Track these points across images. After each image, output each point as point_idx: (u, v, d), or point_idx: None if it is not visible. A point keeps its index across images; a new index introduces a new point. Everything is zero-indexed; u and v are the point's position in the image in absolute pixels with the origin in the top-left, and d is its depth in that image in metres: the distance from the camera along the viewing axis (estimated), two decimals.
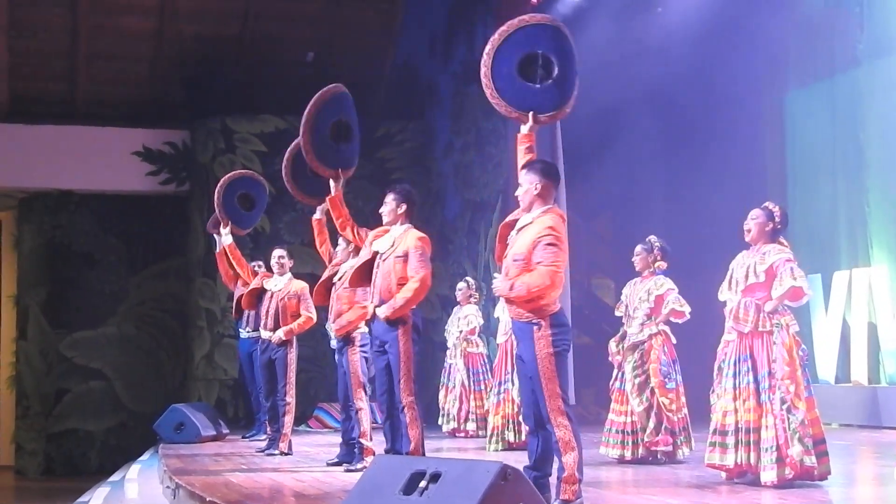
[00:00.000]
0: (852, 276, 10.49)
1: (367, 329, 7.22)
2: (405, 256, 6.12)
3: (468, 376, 10.11)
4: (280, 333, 8.43)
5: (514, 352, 5.40)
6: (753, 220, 6.02)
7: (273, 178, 14.23)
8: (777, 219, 6.03)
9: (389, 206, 6.31)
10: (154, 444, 10.50)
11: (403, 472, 4.09)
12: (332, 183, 6.82)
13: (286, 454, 8.36)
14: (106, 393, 15.14)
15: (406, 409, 6.08)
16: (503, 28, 5.35)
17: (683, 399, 7.26)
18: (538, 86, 5.26)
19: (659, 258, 7.38)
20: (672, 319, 7.29)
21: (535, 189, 4.99)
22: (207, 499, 5.85)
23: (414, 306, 6.13)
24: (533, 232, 4.90)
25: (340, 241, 7.54)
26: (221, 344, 13.81)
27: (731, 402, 5.92)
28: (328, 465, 7.51)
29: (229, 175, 9.27)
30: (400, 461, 4.44)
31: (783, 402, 5.78)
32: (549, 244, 4.82)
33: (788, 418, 5.76)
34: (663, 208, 12.39)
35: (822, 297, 10.70)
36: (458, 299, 10.39)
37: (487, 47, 5.32)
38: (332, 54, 15.07)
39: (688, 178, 12.09)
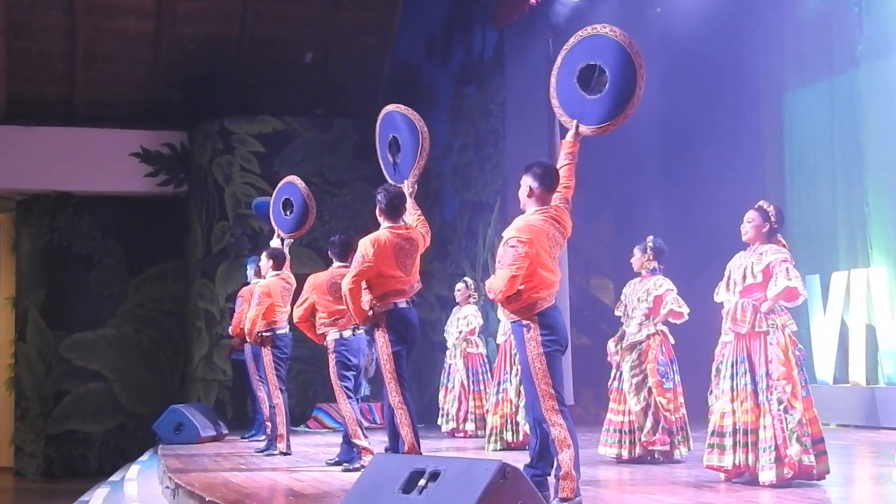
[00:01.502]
0: (851, 276, 10.50)
1: (356, 334, 7.36)
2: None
3: (467, 376, 10.12)
4: (248, 339, 8.65)
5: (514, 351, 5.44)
6: (749, 223, 6.03)
7: (271, 180, 14.33)
8: (773, 218, 6.04)
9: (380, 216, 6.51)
10: (153, 445, 10.51)
11: (403, 471, 4.10)
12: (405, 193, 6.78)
13: (286, 454, 8.36)
14: (105, 394, 15.15)
15: (395, 409, 6.12)
16: (589, 29, 5.39)
17: (682, 399, 7.27)
18: (588, 97, 5.27)
19: (651, 258, 7.38)
20: (670, 320, 7.30)
21: (527, 191, 5.06)
22: (207, 498, 5.85)
23: (354, 310, 6.24)
24: (507, 233, 5.00)
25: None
26: (220, 345, 13.82)
27: (728, 404, 5.92)
28: (328, 464, 7.52)
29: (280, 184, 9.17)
30: (399, 460, 4.44)
31: (780, 402, 5.78)
32: (511, 246, 4.88)
33: (786, 418, 5.77)
34: (662, 209, 12.40)
35: (821, 297, 10.71)
36: (457, 300, 10.40)
37: (572, 40, 5.36)
38: (330, 56, 15.09)
39: (687, 179, 12.10)
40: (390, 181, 6.91)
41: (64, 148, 14.85)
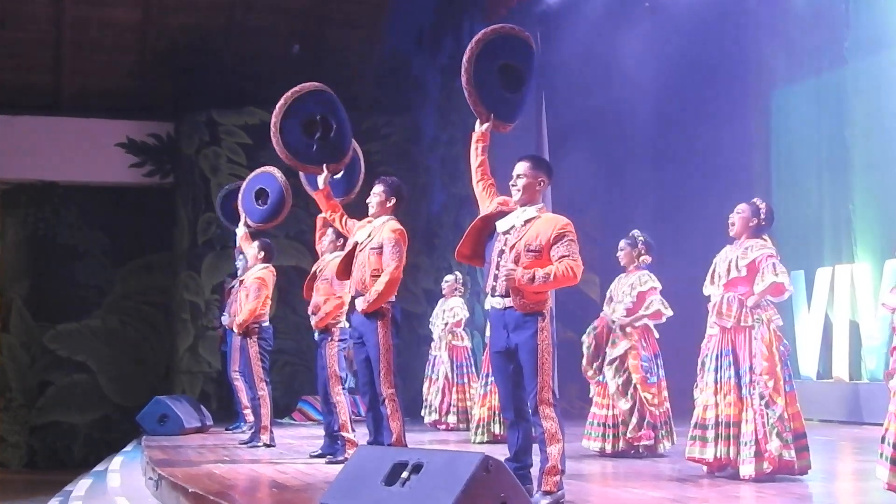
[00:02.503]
0: (835, 272, 10.54)
1: (346, 323, 7.31)
2: (380, 248, 6.13)
3: (452, 369, 10.12)
4: (235, 328, 8.54)
5: (489, 346, 5.38)
6: (738, 215, 6.05)
7: None
8: (762, 215, 6.05)
9: (378, 197, 6.31)
10: (137, 436, 10.48)
11: (385, 463, 4.10)
12: (318, 178, 6.78)
13: (269, 446, 8.36)
14: (89, 386, 15.10)
15: (387, 401, 6.08)
16: (505, 27, 5.44)
17: (665, 393, 7.29)
18: (508, 95, 5.36)
19: (643, 252, 7.41)
20: (649, 321, 7.30)
21: (538, 185, 5.07)
22: (190, 490, 5.84)
23: (389, 299, 6.13)
24: (549, 226, 4.96)
25: (329, 231, 7.54)
26: (205, 337, 13.80)
27: (711, 397, 5.95)
28: (311, 456, 7.51)
29: (254, 172, 9.11)
30: (382, 452, 4.44)
31: (762, 397, 5.81)
32: (572, 240, 4.93)
33: (767, 413, 5.79)
34: (649, 205, 12.41)
35: (805, 293, 10.75)
36: (443, 292, 10.40)
37: (478, 36, 5.36)
38: (318, 47, 15.05)
39: (674, 175, 12.12)
40: (289, 158, 6.78)
41: (50, 137, 14.79)
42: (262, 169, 8.92)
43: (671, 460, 6.96)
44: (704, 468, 6.08)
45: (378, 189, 6.33)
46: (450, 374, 10.11)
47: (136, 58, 14.94)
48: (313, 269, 7.50)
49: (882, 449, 4.72)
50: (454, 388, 10.04)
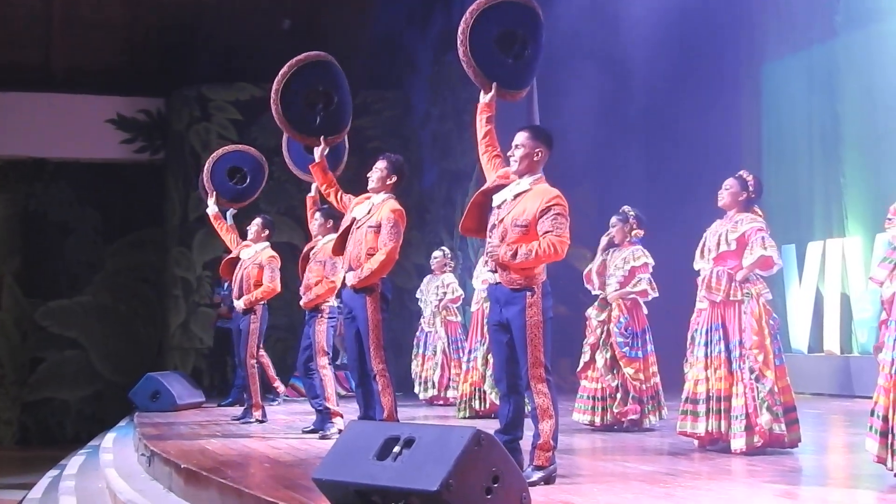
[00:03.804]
0: (826, 246, 10.57)
1: (335, 302, 7.38)
2: (378, 227, 6.11)
3: (448, 344, 10.13)
4: (240, 302, 8.42)
5: (487, 318, 5.36)
6: (727, 190, 6.05)
7: (248, 146, 14.24)
8: (751, 188, 6.05)
9: (379, 172, 6.25)
10: (130, 412, 10.49)
11: (377, 438, 4.10)
12: (315, 150, 6.75)
13: (262, 421, 8.38)
14: (81, 362, 15.10)
15: (377, 376, 6.08)
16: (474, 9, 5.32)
17: (654, 368, 7.31)
18: (510, 61, 5.29)
19: (635, 226, 7.41)
20: (637, 297, 7.32)
21: (536, 156, 4.98)
22: (182, 466, 5.85)
23: (382, 276, 6.12)
24: (537, 199, 4.88)
25: (317, 214, 7.53)
26: (197, 313, 13.79)
27: (702, 371, 5.96)
28: (304, 432, 7.53)
29: (223, 149, 9.13)
30: (374, 427, 4.44)
31: (752, 371, 5.83)
32: (558, 213, 4.84)
33: (757, 387, 5.81)
34: (641, 178, 12.41)
35: (796, 267, 10.78)
36: (432, 267, 10.39)
37: (473, 6, 5.30)
38: (309, 22, 14.96)
39: (665, 149, 12.11)
40: (289, 128, 6.76)
41: (40, 114, 14.72)
42: (235, 147, 8.97)
43: (661, 434, 6.99)
44: (695, 442, 6.11)
45: (381, 164, 6.27)
46: (447, 350, 10.12)
47: (126, 34, 14.84)
48: (305, 250, 7.52)
49: (871, 422, 4.75)
50: (452, 364, 10.04)
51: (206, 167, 8.94)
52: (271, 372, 9.83)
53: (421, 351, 10.37)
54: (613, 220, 7.48)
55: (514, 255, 4.82)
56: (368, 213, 6.19)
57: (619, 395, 7.21)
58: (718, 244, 6.00)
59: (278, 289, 8.46)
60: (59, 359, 15.07)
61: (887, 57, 9.94)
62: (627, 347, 7.23)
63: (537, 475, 4.83)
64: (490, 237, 4.97)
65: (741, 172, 6.13)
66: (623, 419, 7.20)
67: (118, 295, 15.38)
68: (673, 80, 11.81)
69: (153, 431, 7.86)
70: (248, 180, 8.84)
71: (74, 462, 8.79)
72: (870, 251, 10.05)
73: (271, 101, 6.70)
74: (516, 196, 4.95)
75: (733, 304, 5.93)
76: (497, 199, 5.01)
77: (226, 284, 12.43)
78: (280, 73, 6.68)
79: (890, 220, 4.96)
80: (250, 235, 8.68)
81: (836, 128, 10.60)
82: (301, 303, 7.44)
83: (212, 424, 8.54)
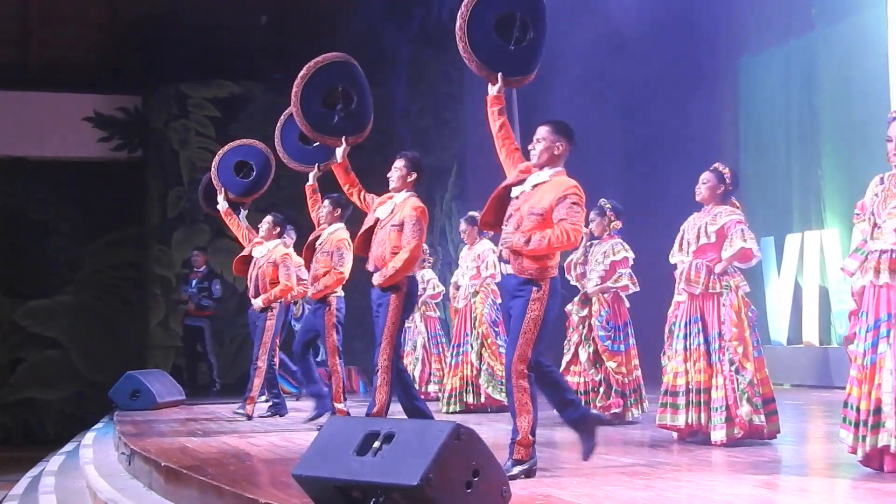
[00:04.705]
0: (804, 238, 10.62)
1: (342, 293, 7.48)
2: (401, 225, 6.14)
3: (429, 339, 10.14)
4: (258, 301, 8.48)
5: (503, 309, 5.36)
6: (705, 184, 6.07)
7: (227, 143, 14.18)
8: (728, 180, 6.08)
9: (399, 171, 6.27)
10: (110, 412, 10.44)
11: (357, 433, 4.09)
12: (337, 151, 6.75)
13: (249, 418, 8.39)
14: (62, 362, 15.03)
15: (380, 371, 6.11)
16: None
17: (636, 361, 7.33)
18: (512, 47, 5.23)
19: (613, 218, 7.43)
20: (619, 291, 7.34)
21: (556, 149, 5.01)
22: (162, 464, 5.83)
23: (407, 274, 6.17)
24: (554, 189, 4.91)
25: (325, 202, 7.53)
26: (177, 311, 13.73)
27: (681, 364, 5.99)
28: (307, 421, 7.53)
29: (228, 146, 9.14)
30: (353, 422, 4.44)
31: (731, 362, 5.86)
32: (574, 203, 4.87)
33: (737, 379, 5.84)
34: (619, 172, 12.44)
35: (775, 259, 10.83)
36: None
37: (462, 11, 5.26)
38: (286, 19, 14.93)
39: (643, 142, 12.13)
40: (310, 129, 6.77)
41: (17, 112, 14.63)
42: (246, 142, 8.96)
43: (642, 427, 7.01)
44: (675, 434, 6.13)
45: (399, 164, 6.30)
46: (427, 345, 10.12)
47: (103, 31, 14.78)
48: (310, 239, 7.51)
49: (845, 413, 4.79)
50: (433, 359, 10.05)
51: (212, 165, 8.97)
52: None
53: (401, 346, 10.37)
54: (591, 214, 7.49)
55: (528, 241, 4.84)
56: (391, 212, 6.24)
57: (601, 390, 7.24)
58: (698, 237, 6.03)
59: (294, 286, 8.52)
60: (39, 359, 14.99)
61: (864, 50, 10.00)
62: (609, 341, 7.25)
63: (517, 469, 4.84)
64: (506, 226, 4.99)
65: (716, 165, 6.15)
66: (606, 413, 7.22)
67: (98, 294, 15.31)
68: (650, 74, 11.83)
69: (133, 430, 7.83)
70: (255, 173, 8.88)
71: (55, 461, 8.74)
72: (848, 243, 10.09)
73: (292, 103, 6.74)
74: (535, 186, 4.99)
75: (712, 296, 5.95)
76: (515, 190, 5.05)
77: (193, 282, 12.46)
78: (299, 75, 6.71)
79: (858, 215, 5.00)
80: (261, 233, 8.72)
81: (813, 121, 10.66)
82: (308, 294, 7.48)
83: (192, 422, 8.52)
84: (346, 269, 7.34)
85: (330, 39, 15.07)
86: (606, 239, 7.42)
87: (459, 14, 5.24)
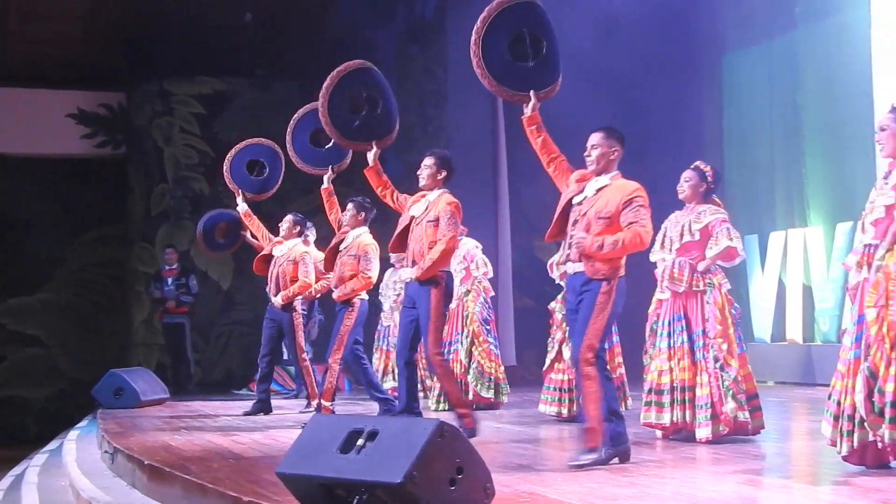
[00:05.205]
0: (788, 236, 10.66)
1: (367, 297, 7.66)
2: (436, 221, 6.26)
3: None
4: (278, 298, 8.63)
5: (567, 306, 5.45)
6: (687, 182, 6.10)
7: (211, 142, 14.15)
8: (709, 178, 6.11)
9: (429, 170, 6.38)
10: (93, 410, 10.40)
11: (341, 431, 4.09)
12: (368, 155, 6.81)
13: (318, 409, 8.41)
14: (44, 360, 14.93)
15: (435, 365, 6.25)
16: (484, 15, 5.49)
17: (619, 359, 7.34)
18: (531, 64, 5.44)
19: None
20: None
21: (612, 154, 5.23)
22: (146, 462, 5.81)
23: (443, 267, 6.27)
24: (619, 192, 5.12)
25: (350, 206, 7.64)
26: (153, 310, 13.66)
27: (666, 362, 6.00)
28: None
29: (235, 148, 9.24)
30: (337, 420, 4.43)
31: (716, 360, 5.87)
32: (641, 205, 5.10)
33: (722, 376, 5.86)
34: None
35: (759, 256, 10.87)
36: (392, 262, 10.30)
37: (473, 37, 5.45)
38: (271, 15, 14.88)
39: (626, 140, 12.13)
40: (339, 137, 6.84)
41: None
42: (248, 142, 9.12)
43: (626, 424, 7.00)
44: (659, 433, 6.14)
45: (429, 162, 6.40)
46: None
47: (85, 26, 14.67)
48: (333, 242, 7.61)
49: (827, 405, 4.82)
50: None
51: (224, 169, 9.10)
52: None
53: (380, 345, 10.33)
54: None
55: (601, 246, 5.02)
56: (426, 209, 6.34)
57: None
58: (682, 235, 6.04)
59: (314, 283, 8.69)
60: (20, 357, 14.89)
61: (847, 48, 10.04)
62: None
63: (586, 457, 5.02)
64: (573, 230, 5.16)
65: (697, 163, 6.17)
66: None
67: (81, 291, 15.22)
68: (634, 71, 11.85)
69: (116, 428, 7.79)
70: (267, 170, 9.04)
71: (37, 460, 8.70)
72: (831, 241, 10.15)
73: (319, 113, 6.89)
74: (598, 191, 5.19)
75: (696, 294, 5.97)
76: (577, 197, 5.23)
77: (169, 280, 12.44)
78: (324, 85, 6.88)
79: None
80: (282, 233, 8.87)
81: (796, 119, 10.70)
82: (333, 295, 7.59)
83: (175, 420, 8.49)
84: (374, 273, 7.54)
85: (314, 36, 15.06)
86: None
87: (473, 53, 5.45)
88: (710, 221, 6.01)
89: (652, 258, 6.20)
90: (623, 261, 5.14)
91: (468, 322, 8.48)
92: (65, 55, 14.76)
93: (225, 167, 9.11)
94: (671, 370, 5.97)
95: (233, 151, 9.15)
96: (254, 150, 9.12)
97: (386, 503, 3.82)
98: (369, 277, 7.46)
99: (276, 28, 14.66)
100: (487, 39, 5.42)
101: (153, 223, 14.05)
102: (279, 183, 9.13)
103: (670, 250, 6.06)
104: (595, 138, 5.26)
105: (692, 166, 6.13)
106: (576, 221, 5.17)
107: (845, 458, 4.73)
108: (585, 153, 5.25)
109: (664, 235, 6.15)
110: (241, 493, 4.53)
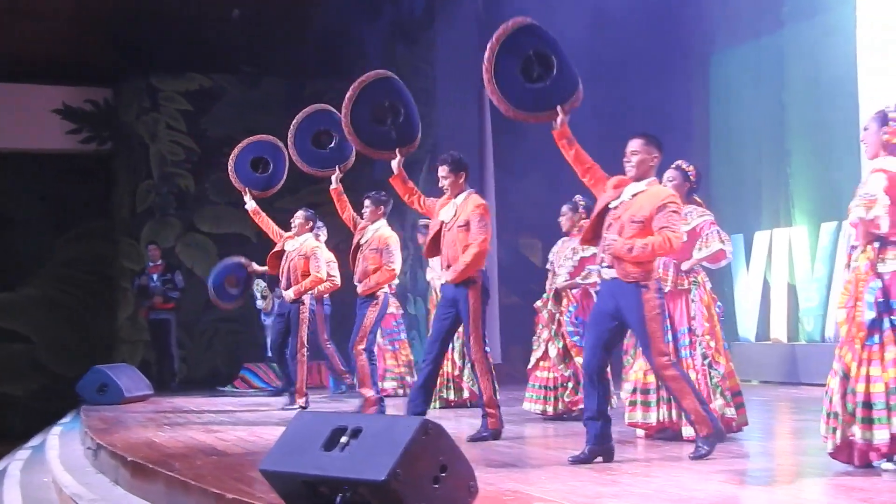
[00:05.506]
0: (773, 236, 10.68)
1: (389, 290, 7.84)
2: (466, 225, 6.33)
3: (382, 336, 10.12)
4: (290, 293, 8.74)
5: (595, 307, 5.52)
6: (671, 182, 6.11)
7: (198, 139, 14.11)
8: (692, 178, 6.14)
9: (448, 179, 6.46)
10: (77, 406, 10.36)
11: (325, 428, 4.08)
12: (393, 163, 6.88)
13: (304, 408, 8.44)
14: (28, 356, 14.87)
15: (476, 363, 6.31)
16: (488, 55, 5.59)
17: None
18: (549, 83, 5.56)
19: (584, 217, 7.44)
20: (589, 287, 7.37)
21: (652, 161, 5.35)
22: (129, 459, 5.80)
23: (479, 268, 6.33)
24: (653, 198, 5.25)
25: (367, 202, 7.77)
26: (140, 306, 13.62)
27: (646, 361, 5.99)
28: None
29: (237, 147, 9.26)
30: (322, 417, 4.42)
31: (705, 357, 5.88)
32: (673, 211, 5.24)
33: (710, 373, 5.87)
34: None
35: (744, 256, 10.89)
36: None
37: (485, 77, 5.57)
38: (258, 11, 14.84)
39: (615, 139, 12.10)
40: (364, 147, 6.97)
41: None
42: (248, 140, 9.15)
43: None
44: (643, 432, 6.15)
45: (443, 171, 6.48)
46: (381, 341, 10.10)
47: (72, 22, 14.60)
48: (356, 239, 7.72)
49: (823, 403, 4.84)
50: (387, 355, 10.01)
51: (229, 169, 9.13)
52: (338, 363, 9.88)
53: (384, 344, 10.30)
54: (564, 208, 7.53)
55: (630, 249, 5.14)
56: (455, 214, 6.42)
57: (570, 385, 7.25)
58: None
59: (325, 277, 8.79)
60: (5, 352, 14.81)
61: (833, 49, 10.06)
62: (577, 337, 7.27)
63: (706, 448, 5.19)
64: (606, 234, 5.28)
65: (679, 163, 6.18)
66: (574, 408, 7.23)
67: (66, 287, 15.16)
68: (622, 70, 11.85)
69: (100, 425, 7.77)
70: (271, 166, 9.10)
71: (20, 455, 8.67)
72: (816, 240, 10.18)
73: (343, 125, 6.97)
74: (634, 196, 5.30)
75: (680, 293, 5.98)
76: (614, 202, 5.35)
77: (154, 276, 12.41)
78: (346, 97, 6.94)
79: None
80: (294, 229, 8.95)
81: (782, 118, 10.72)
82: (358, 290, 7.68)
83: (160, 417, 8.46)
84: (397, 265, 7.65)
85: (301, 33, 15.03)
86: (574, 235, 7.44)
87: (491, 93, 5.60)
88: (699, 224, 6.05)
89: None
90: (655, 264, 5.29)
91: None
92: (51, 50, 14.68)
93: (230, 168, 9.12)
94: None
95: (235, 151, 9.17)
96: (255, 148, 9.16)
97: (369, 501, 3.82)
98: (392, 269, 7.58)
99: (263, 25, 14.63)
100: (499, 75, 5.57)
101: (138, 220, 14.02)
102: (284, 177, 9.16)
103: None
104: (635, 144, 5.38)
105: (674, 165, 6.14)
106: (610, 225, 5.30)
107: (832, 456, 4.75)
108: (625, 158, 5.37)
109: None
110: (225, 490, 4.52)
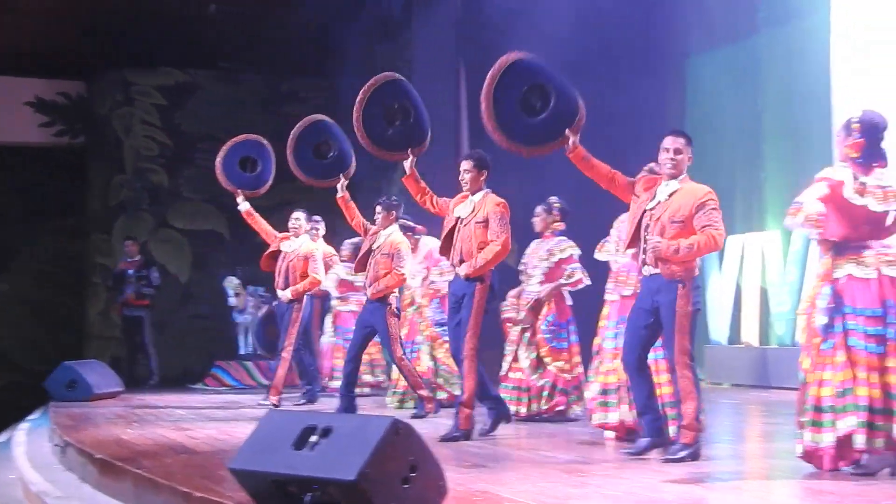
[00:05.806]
0: (746, 240, 10.74)
1: (399, 293, 7.82)
2: (485, 222, 6.33)
3: (336, 334, 10.11)
4: (287, 293, 8.75)
5: (635, 305, 5.51)
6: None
7: (172, 134, 14.03)
8: (555, 214, 6.24)
9: (470, 174, 6.45)
10: (45, 402, 10.27)
11: (295, 427, 4.06)
12: (405, 163, 6.88)
13: (276, 406, 8.40)
14: None
15: (465, 360, 6.27)
16: (484, 105, 5.68)
17: (577, 359, 7.36)
18: (551, 111, 5.65)
19: (558, 218, 7.45)
20: (568, 289, 7.37)
21: (689, 160, 5.42)
22: (96, 456, 5.75)
23: (493, 266, 6.36)
24: (690, 196, 5.26)
25: (378, 208, 7.79)
26: (117, 301, 13.54)
27: (611, 362, 6.03)
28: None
29: (223, 149, 9.18)
30: (292, 416, 4.41)
31: None
32: (713, 208, 5.24)
33: None
34: (565, 172, 12.44)
35: (717, 260, 10.94)
36: (342, 257, 10.19)
37: (489, 127, 5.67)
38: (236, 6, 14.77)
39: (590, 141, 12.15)
40: (376, 149, 7.02)
41: None
42: (232, 142, 9.11)
43: (583, 424, 7.02)
44: (608, 433, 6.16)
45: (467, 166, 6.47)
46: (335, 339, 10.10)
47: (45, 14, 14.47)
48: (367, 244, 7.73)
49: (796, 408, 4.87)
50: (337, 354, 9.97)
51: (217, 173, 9.08)
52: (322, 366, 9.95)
53: (339, 343, 10.26)
54: (538, 209, 7.53)
55: (677, 250, 5.14)
56: (472, 210, 6.41)
57: (546, 393, 7.26)
58: None
59: (323, 279, 8.89)
60: None
61: (808, 54, 10.12)
62: (551, 336, 7.27)
63: (683, 453, 5.15)
64: (647, 235, 5.29)
65: (651, 165, 6.18)
66: (550, 412, 7.25)
67: (36, 282, 15.05)
68: (597, 74, 11.85)
69: (67, 421, 7.70)
70: (259, 165, 9.09)
71: None
72: (787, 245, 10.24)
73: (355, 128, 7.00)
74: (670, 195, 5.31)
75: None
76: (650, 203, 5.37)
77: (130, 272, 12.32)
78: (357, 100, 6.98)
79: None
80: (291, 230, 8.93)
81: (756, 123, 10.78)
82: (368, 294, 7.66)
83: (129, 414, 8.40)
84: (407, 269, 7.66)
85: (279, 30, 14.97)
86: (548, 237, 7.44)
87: (499, 141, 5.69)
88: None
89: (598, 256, 6.26)
90: (697, 261, 5.29)
91: (423, 327, 8.43)
92: (23, 42, 14.56)
93: (218, 171, 9.06)
94: (617, 370, 5.98)
95: (221, 153, 9.12)
96: (241, 148, 9.13)
97: (339, 501, 3.80)
98: (402, 274, 7.58)
99: (240, 20, 14.56)
100: (501, 120, 5.65)
101: (111, 214, 13.93)
102: (272, 174, 9.12)
103: (625, 253, 6.08)
104: (679, 143, 5.40)
105: (646, 168, 6.15)
106: (648, 226, 5.30)
107: (803, 458, 4.78)
108: (666, 155, 5.38)
109: (618, 237, 6.18)
110: (193, 489, 4.49)
